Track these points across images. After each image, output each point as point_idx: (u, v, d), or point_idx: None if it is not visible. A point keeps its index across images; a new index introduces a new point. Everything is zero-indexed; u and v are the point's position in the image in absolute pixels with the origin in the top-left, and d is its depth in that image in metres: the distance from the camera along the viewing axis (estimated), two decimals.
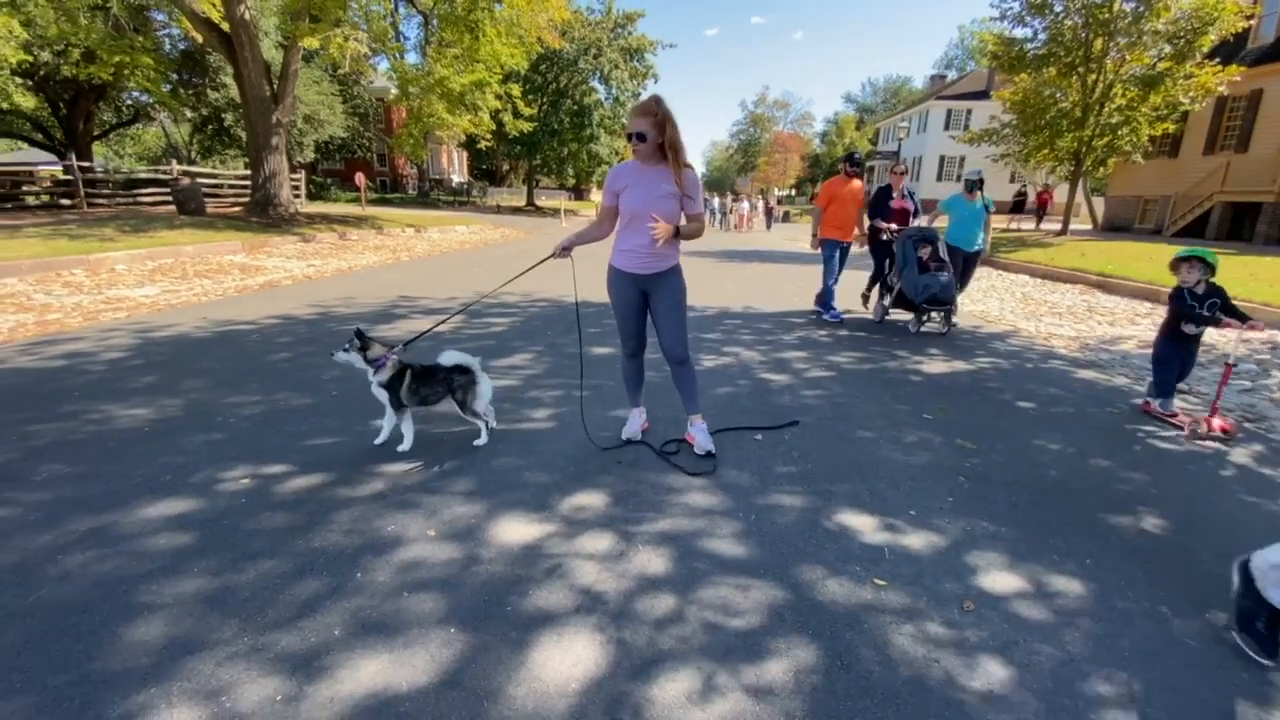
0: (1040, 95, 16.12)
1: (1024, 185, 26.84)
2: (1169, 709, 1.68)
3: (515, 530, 2.41)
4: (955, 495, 2.82)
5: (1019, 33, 16.26)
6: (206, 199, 15.07)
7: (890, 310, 6.71)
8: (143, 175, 18.39)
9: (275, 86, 13.96)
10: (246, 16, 12.62)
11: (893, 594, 2.10)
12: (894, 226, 6.60)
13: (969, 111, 36.81)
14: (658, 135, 2.69)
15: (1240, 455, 3.43)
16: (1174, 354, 3.91)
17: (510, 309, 6.71)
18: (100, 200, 15.47)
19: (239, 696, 1.60)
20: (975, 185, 6.40)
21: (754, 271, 11.41)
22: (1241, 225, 17.22)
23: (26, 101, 21.18)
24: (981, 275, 10.94)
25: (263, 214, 14.16)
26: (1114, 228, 22.13)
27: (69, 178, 14.85)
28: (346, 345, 2.99)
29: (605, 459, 3.08)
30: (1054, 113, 15.99)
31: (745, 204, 28.05)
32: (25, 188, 16.27)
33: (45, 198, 15.56)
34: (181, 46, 21.84)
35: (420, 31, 23.80)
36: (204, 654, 1.73)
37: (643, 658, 1.78)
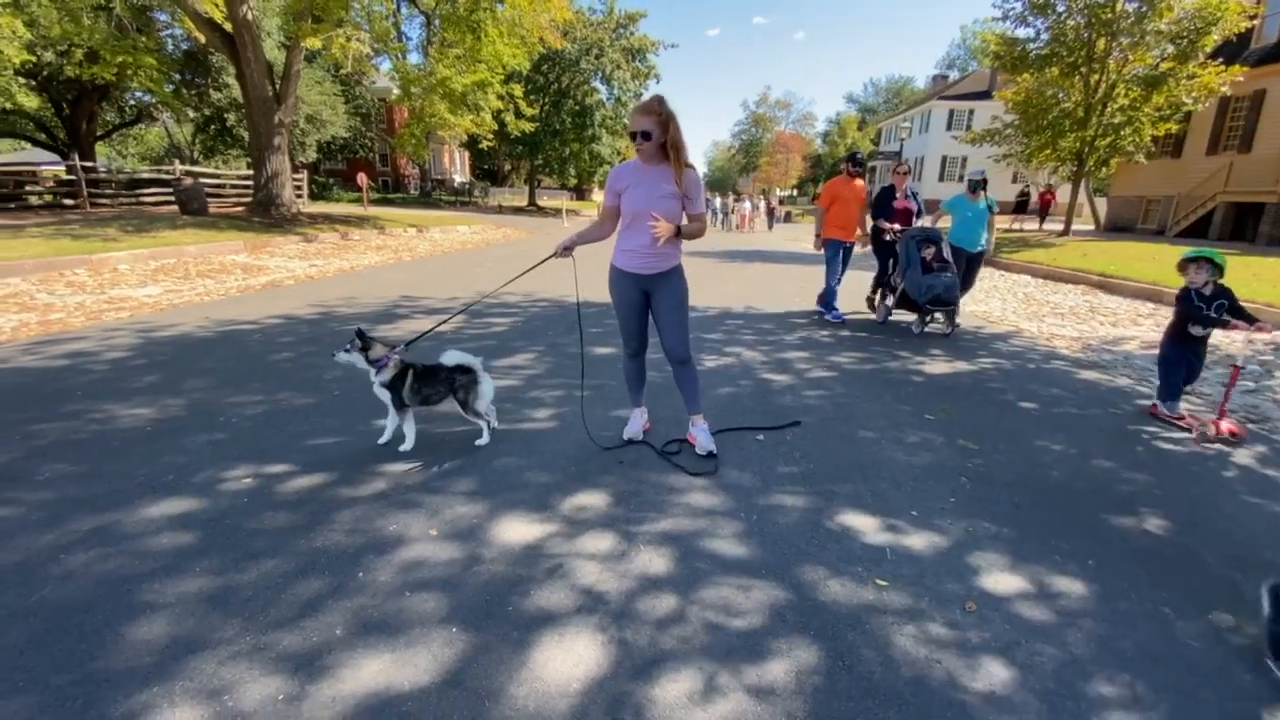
0: (1043, 95, 16.10)
1: (1026, 185, 26.80)
2: (1172, 711, 1.67)
3: (517, 530, 2.41)
4: (957, 496, 2.82)
5: (1021, 33, 16.24)
6: (209, 199, 15.10)
7: (894, 311, 6.69)
8: (145, 175, 18.42)
9: (278, 87, 13.99)
10: (249, 17, 12.64)
11: (895, 594, 2.10)
12: (897, 227, 6.59)
13: (971, 112, 36.79)
14: (661, 134, 2.69)
15: (1243, 456, 3.42)
16: (1180, 356, 3.86)
17: (512, 309, 6.71)
18: (103, 200, 15.50)
19: (241, 696, 1.60)
20: (979, 185, 6.37)
21: (756, 272, 11.41)
22: (1244, 226, 17.18)
23: (30, 102, 21.25)
24: (984, 275, 10.91)
25: (265, 214, 14.19)
26: (1116, 228, 22.09)
27: (72, 178, 14.87)
28: (348, 346, 2.99)
29: (607, 459, 3.08)
30: (1056, 113, 15.96)
31: (747, 204, 28.02)
32: (28, 188, 16.29)
33: (48, 198, 15.58)
34: (184, 47, 21.86)
35: (422, 32, 23.82)
36: (206, 653, 1.73)
37: (644, 658, 1.78)
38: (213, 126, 26.03)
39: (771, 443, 3.36)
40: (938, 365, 5.10)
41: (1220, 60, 15.06)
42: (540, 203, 36.80)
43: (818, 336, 6.03)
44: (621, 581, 2.12)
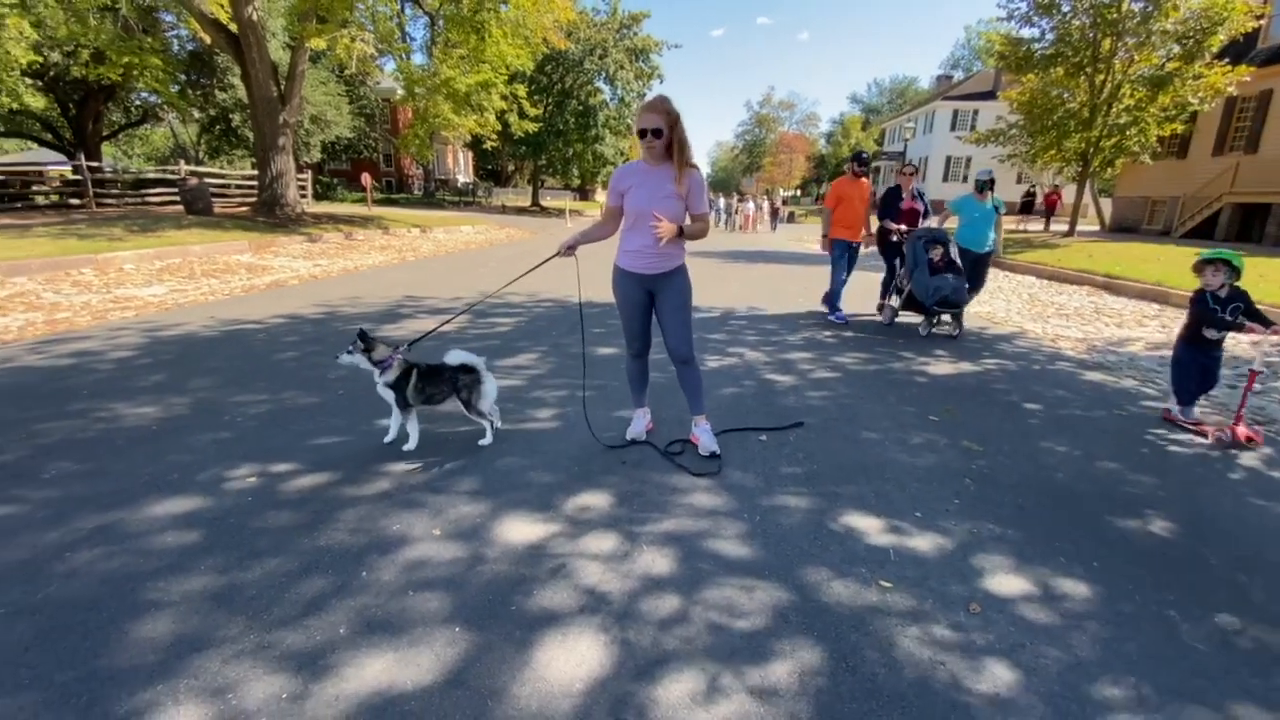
0: (1047, 96, 16.06)
1: (1032, 186, 26.71)
2: (1177, 714, 1.66)
3: (520, 530, 2.42)
4: (961, 497, 2.81)
5: (1026, 33, 16.21)
6: (214, 199, 15.16)
7: (900, 312, 6.65)
8: (151, 175, 18.52)
9: (282, 87, 14.03)
10: (254, 17, 12.69)
11: (898, 596, 2.09)
12: (903, 227, 6.56)
13: (975, 112, 36.72)
14: (668, 133, 2.70)
15: (1249, 458, 3.40)
16: (1194, 360, 3.79)
17: (515, 309, 6.72)
18: (109, 200, 15.58)
19: (245, 694, 1.60)
20: (986, 185, 6.33)
21: (759, 272, 11.40)
22: (1251, 226, 17.10)
23: (36, 102, 21.35)
24: (989, 276, 10.89)
25: (269, 214, 14.23)
26: (1122, 229, 22.01)
27: (78, 178, 14.96)
28: (350, 348, 3.00)
29: (610, 459, 3.08)
30: (1061, 113, 15.93)
31: (751, 204, 28.00)
32: (35, 187, 16.38)
33: (54, 197, 15.66)
34: (190, 47, 21.95)
35: (426, 32, 23.86)
36: (210, 652, 1.73)
37: (647, 658, 1.78)
38: (218, 127, 26.15)
39: (775, 443, 3.36)
40: (942, 366, 5.09)
41: (1226, 60, 15.01)
42: (544, 203, 36.83)
43: (821, 337, 6.02)
44: (624, 582, 2.12)
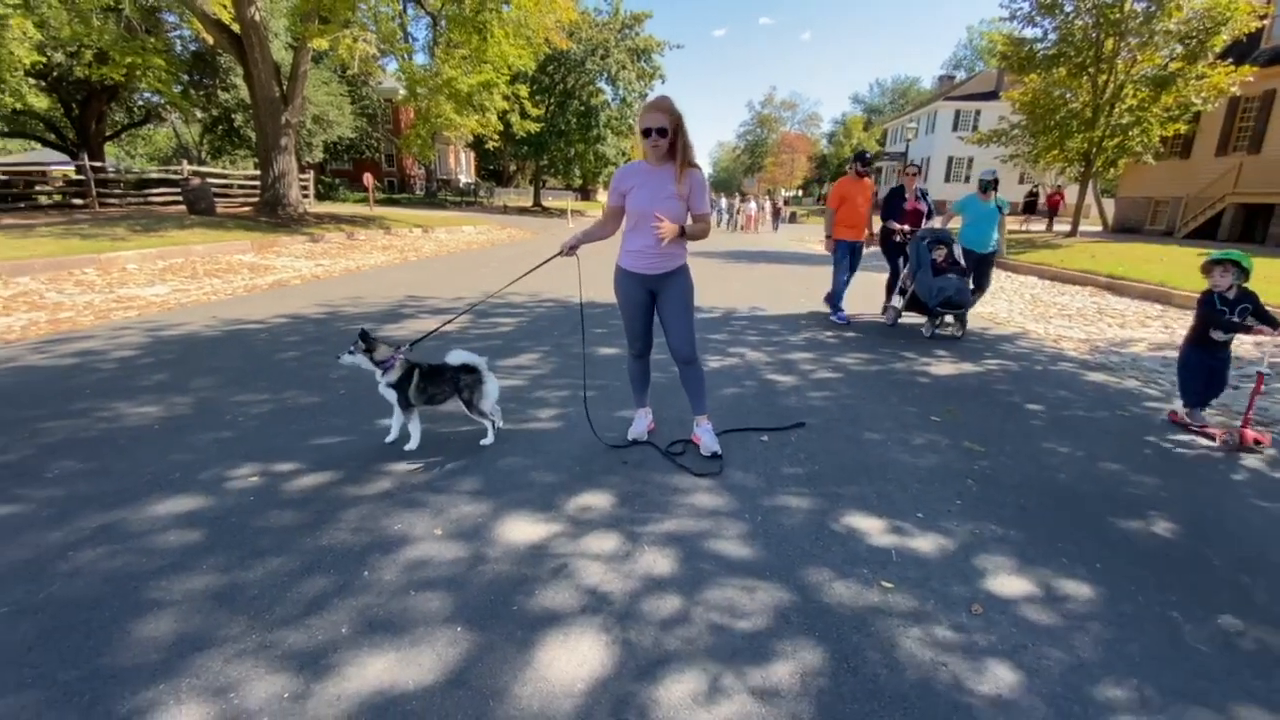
0: (1050, 96, 16.04)
1: (1035, 186, 26.67)
2: (1179, 715, 1.66)
3: (521, 530, 2.42)
4: (963, 498, 2.81)
5: (1029, 33, 16.19)
6: (216, 199, 15.19)
7: (903, 313, 6.62)
8: (154, 175, 18.56)
9: (285, 87, 14.05)
10: (257, 18, 12.71)
11: (900, 597, 2.09)
12: (906, 228, 6.54)
13: (978, 112, 36.67)
14: (672, 133, 2.70)
15: (1252, 459, 3.39)
16: (1201, 362, 3.74)
17: (517, 309, 6.73)
18: (112, 200, 15.62)
19: (247, 693, 1.60)
20: (990, 185, 6.30)
21: (760, 272, 11.40)
22: (1254, 227, 17.07)
23: (40, 102, 21.42)
24: (992, 277, 10.88)
25: (272, 214, 14.26)
26: (1124, 229, 21.97)
27: (81, 178, 14.99)
28: (351, 348, 3.00)
29: (611, 459, 3.08)
30: (1064, 113, 15.90)
31: (753, 205, 27.99)
32: (38, 187, 16.43)
33: (58, 197, 15.70)
34: (192, 48, 21.99)
35: (428, 32, 23.84)
36: (212, 651, 1.74)
37: (649, 658, 1.78)
38: (220, 127, 26.20)
39: (776, 444, 3.35)
40: (944, 367, 5.08)
41: (1230, 60, 14.98)
42: (545, 203, 36.86)
43: (823, 337, 6.02)
44: (626, 582, 2.12)
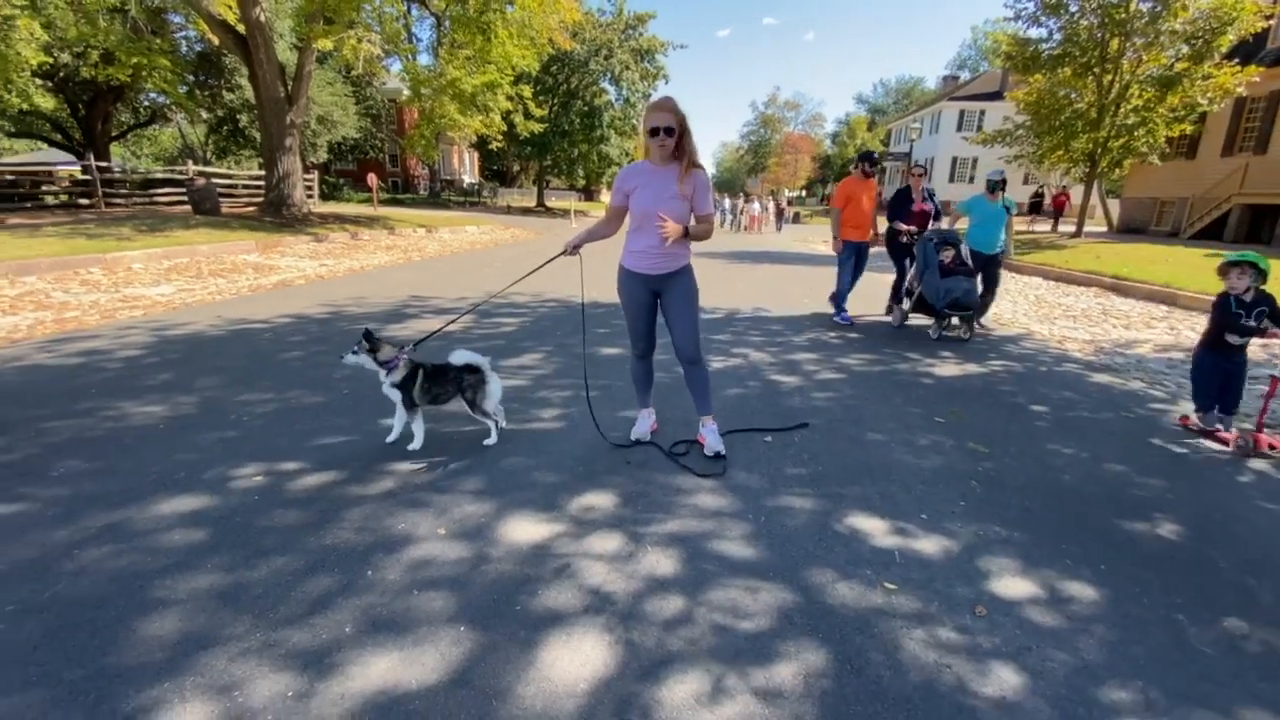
0: (1055, 96, 15.97)
1: (1040, 186, 26.57)
2: (1184, 718, 1.65)
3: (524, 530, 2.42)
4: (967, 499, 2.80)
5: (1034, 33, 16.13)
6: (221, 199, 15.23)
7: (910, 315, 6.57)
8: (159, 175, 18.62)
9: (290, 88, 14.10)
10: (262, 19, 12.75)
11: (903, 598, 2.08)
12: (913, 229, 6.50)
13: (982, 112, 36.57)
14: (679, 133, 2.71)
15: (1258, 461, 3.38)
16: (1216, 365, 3.66)
17: (520, 309, 6.73)
18: (117, 200, 15.67)
19: (251, 692, 1.61)
20: (997, 186, 6.25)
21: (764, 273, 11.38)
22: (1260, 228, 16.98)
23: (46, 102, 21.53)
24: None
25: (276, 214, 14.30)
26: (1130, 230, 21.89)
27: (87, 178, 15.05)
28: (355, 348, 3.01)
29: (614, 459, 3.08)
30: (1069, 114, 15.84)
31: (756, 205, 27.97)
32: (44, 187, 16.50)
33: (64, 197, 15.77)
34: (198, 48, 22.10)
35: (433, 33, 23.89)
36: (217, 649, 1.74)
37: (652, 659, 1.78)
38: (225, 127, 26.29)
39: (779, 444, 3.35)
40: (948, 368, 5.07)
41: (1236, 61, 14.90)
42: (548, 203, 36.90)
43: (826, 338, 6.01)
44: (629, 582, 2.12)
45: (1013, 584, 2.19)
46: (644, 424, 3.34)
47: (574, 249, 3.00)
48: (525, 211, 32.18)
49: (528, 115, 20.45)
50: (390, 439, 3.14)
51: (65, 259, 8.15)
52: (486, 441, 3.17)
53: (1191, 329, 6.97)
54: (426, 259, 11.77)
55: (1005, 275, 11.94)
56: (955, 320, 6.14)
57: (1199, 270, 10.14)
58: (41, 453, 2.92)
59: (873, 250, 6.83)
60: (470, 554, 2.25)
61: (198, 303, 6.61)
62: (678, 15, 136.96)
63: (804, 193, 70.36)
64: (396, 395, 3.03)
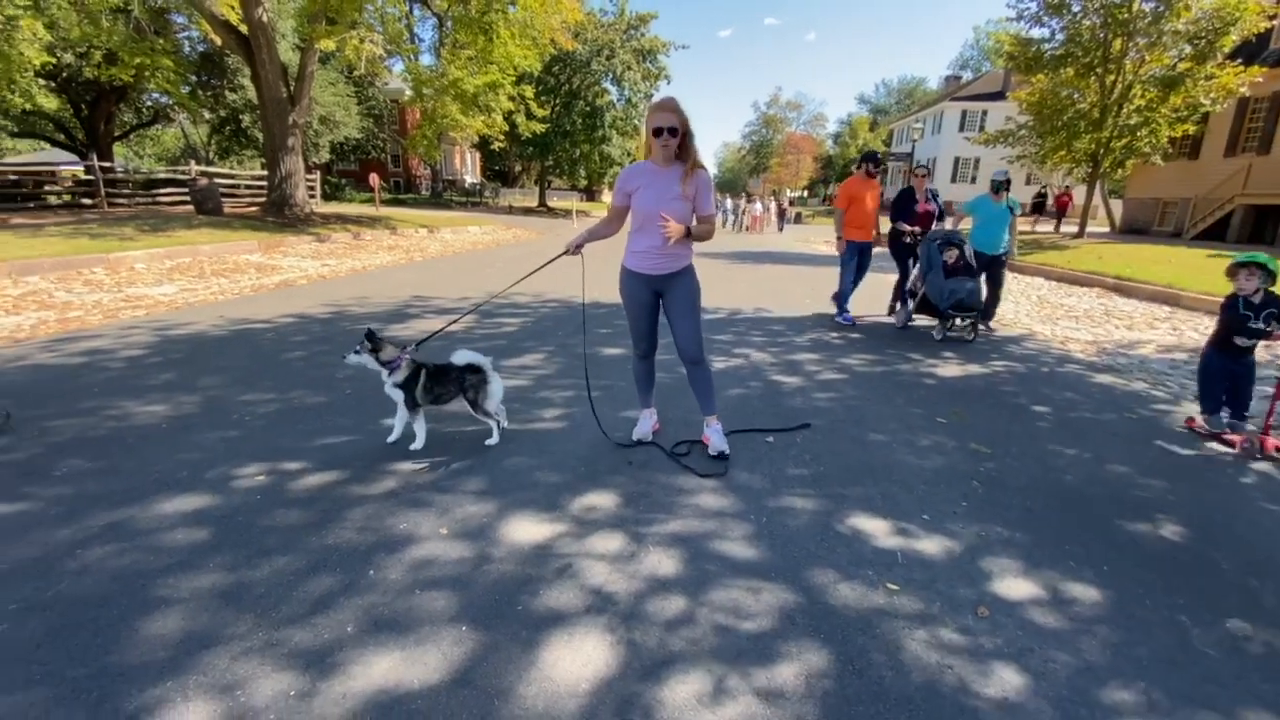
0: (1057, 96, 15.95)
1: (1043, 187, 26.53)
2: (1187, 719, 1.65)
3: (526, 529, 2.42)
4: (969, 500, 2.80)
5: (1036, 33, 16.11)
6: (224, 199, 15.26)
7: (914, 316, 6.54)
8: (162, 175, 18.67)
9: (292, 88, 14.12)
10: (264, 19, 12.77)
11: (905, 599, 2.08)
12: (917, 229, 6.48)
13: (984, 113, 36.54)
14: (682, 133, 2.71)
15: (1261, 462, 3.37)
16: (1223, 367, 3.62)
17: (522, 309, 6.74)
18: (120, 200, 15.71)
19: (253, 691, 1.61)
20: (1002, 186, 6.22)
21: (766, 273, 11.38)
22: (1264, 228, 16.94)
23: (49, 103, 21.58)
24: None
25: (279, 214, 14.32)
26: (1132, 230, 21.85)
27: (90, 178, 15.08)
28: (358, 348, 3.01)
29: (616, 460, 3.08)
30: (1071, 114, 15.81)
31: (758, 205, 27.96)
32: (47, 187, 16.54)
33: (67, 197, 15.81)
34: (200, 49, 22.13)
35: (435, 33, 23.95)
36: (219, 649, 1.75)
37: (653, 659, 1.78)
38: (228, 127, 26.33)
39: (781, 445, 3.35)
40: (950, 368, 5.06)
41: (1239, 61, 14.87)
42: (550, 204, 36.91)
43: (828, 338, 6.00)
44: (631, 582, 2.12)
45: (1015, 585, 2.18)
46: (646, 424, 3.34)
47: (576, 249, 3.00)
48: (527, 212, 32.20)
49: (530, 115, 20.46)
50: (391, 439, 3.15)
51: (68, 259, 8.17)
52: (488, 441, 3.17)
53: (1194, 330, 6.96)
54: (428, 259, 11.77)
55: (1007, 275, 11.92)
56: (960, 321, 6.11)
57: (1202, 271, 10.12)
58: (44, 452, 2.93)
59: (875, 251, 6.82)
60: (472, 554, 2.25)
61: (200, 303, 6.62)
62: (679, 16, 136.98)
63: (806, 193, 70.29)
64: (399, 395, 3.03)
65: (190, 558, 2.16)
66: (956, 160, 38.52)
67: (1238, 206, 17.32)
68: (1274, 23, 16.06)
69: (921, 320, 6.60)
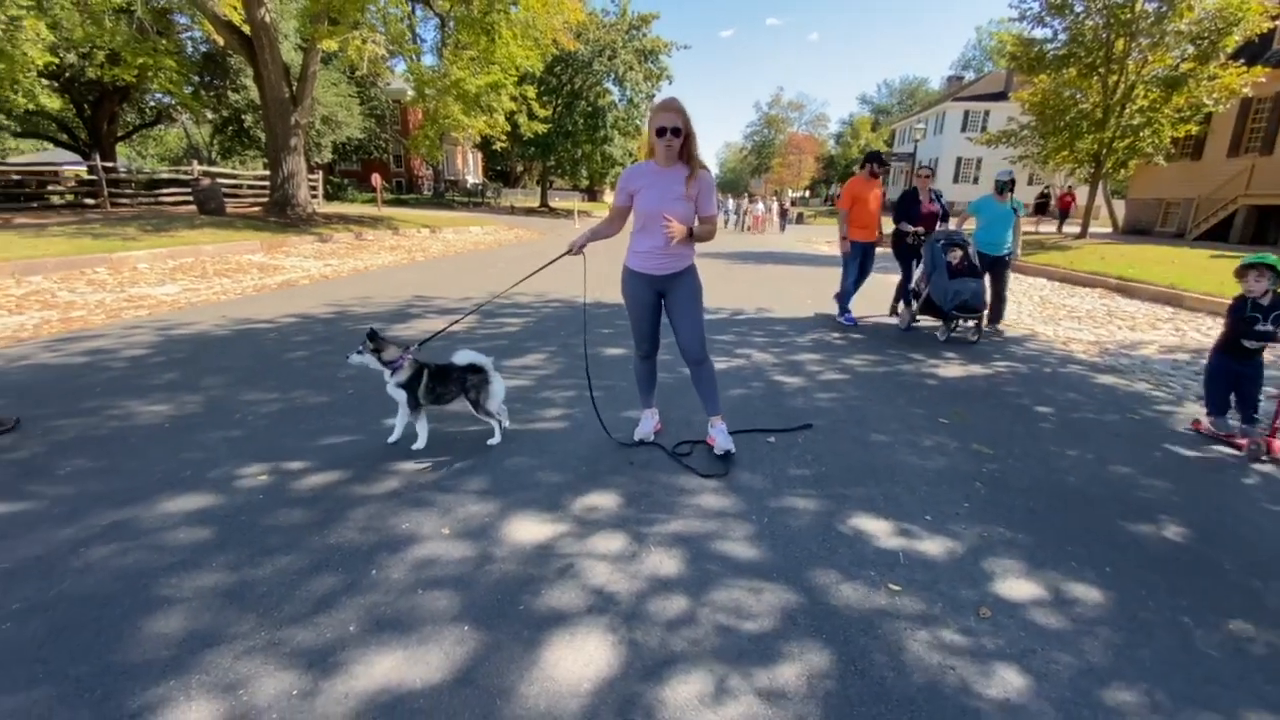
0: (1060, 96, 15.92)
1: (1046, 187, 26.48)
2: None
3: (528, 529, 2.42)
4: (971, 501, 2.79)
5: (1038, 33, 16.08)
6: (226, 199, 15.29)
7: (918, 317, 6.50)
8: (164, 175, 18.71)
9: (294, 88, 14.14)
10: (267, 19, 12.79)
11: (907, 599, 2.08)
12: (920, 230, 6.46)
13: (986, 113, 36.52)
14: (685, 133, 2.71)
15: (1264, 464, 3.36)
16: (1228, 369, 3.57)
17: (523, 309, 6.74)
18: (123, 200, 15.75)
19: (256, 690, 1.61)
20: (1006, 186, 6.19)
21: (767, 273, 11.37)
22: (1267, 229, 16.90)
23: (52, 103, 21.57)
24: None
25: (281, 214, 14.34)
26: (1135, 231, 21.81)
27: (93, 178, 15.13)
28: (360, 348, 3.01)
29: (618, 460, 3.08)
30: (1074, 114, 15.78)
31: (760, 205, 27.95)
32: (51, 187, 16.58)
33: (70, 197, 15.85)
34: (203, 49, 22.17)
35: (437, 34, 24.02)
36: (222, 647, 1.75)
37: (655, 659, 1.78)
38: (230, 127, 26.37)
39: (783, 445, 3.35)
40: (952, 369, 5.06)
41: (1242, 61, 14.84)
42: (552, 204, 36.93)
43: (830, 339, 6.00)
44: (632, 582, 2.12)
45: (1017, 586, 2.18)
46: (647, 424, 3.34)
47: (578, 249, 3.00)
48: (529, 212, 32.21)
49: (531, 116, 20.46)
50: (391, 440, 3.15)
51: (71, 259, 8.19)
52: (490, 441, 3.18)
53: (1196, 330, 6.95)
54: (430, 259, 11.79)
55: (1010, 277, 11.91)
56: (965, 322, 6.06)
57: (1205, 271, 10.10)
58: (48, 451, 2.94)
59: (878, 251, 6.80)
60: (474, 554, 2.25)
61: (203, 302, 6.63)
62: (681, 16, 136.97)
63: (807, 193, 70.21)
64: (402, 395, 3.04)
65: (193, 557, 2.16)
66: (958, 160, 38.48)
67: (1240, 207, 17.28)
68: (1277, 23, 15.99)
69: (925, 321, 6.59)
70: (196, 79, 22.04)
